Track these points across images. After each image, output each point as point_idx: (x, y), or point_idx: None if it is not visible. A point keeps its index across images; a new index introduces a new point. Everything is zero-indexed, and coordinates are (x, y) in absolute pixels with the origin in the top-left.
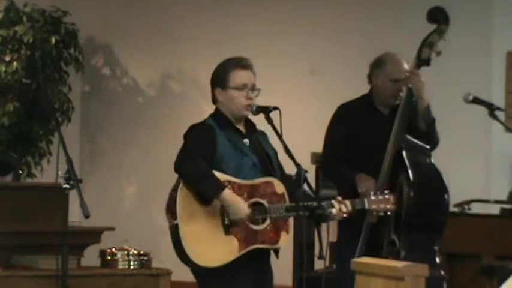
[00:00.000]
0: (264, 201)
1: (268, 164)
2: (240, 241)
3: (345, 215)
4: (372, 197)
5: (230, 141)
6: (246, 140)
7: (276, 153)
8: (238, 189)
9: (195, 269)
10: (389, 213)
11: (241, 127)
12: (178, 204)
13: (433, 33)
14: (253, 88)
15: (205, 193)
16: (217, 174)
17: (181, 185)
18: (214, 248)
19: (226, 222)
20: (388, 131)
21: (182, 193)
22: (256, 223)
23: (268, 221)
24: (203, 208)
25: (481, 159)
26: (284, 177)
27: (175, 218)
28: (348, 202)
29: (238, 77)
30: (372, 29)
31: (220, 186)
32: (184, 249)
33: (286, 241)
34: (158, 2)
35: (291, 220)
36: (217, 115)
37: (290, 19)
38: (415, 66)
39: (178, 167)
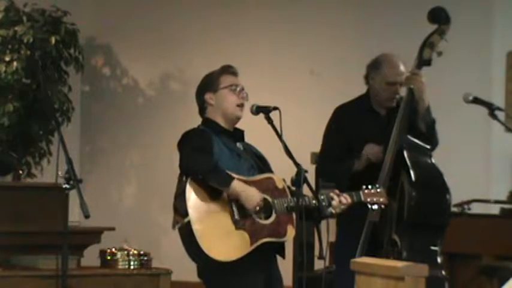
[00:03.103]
0: (268, 196)
1: (262, 166)
2: (250, 235)
3: (343, 207)
4: (365, 190)
5: (225, 144)
6: (239, 144)
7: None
8: None
9: (206, 266)
10: (383, 206)
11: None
12: (188, 201)
13: (434, 34)
14: (244, 91)
15: (217, 185)
16: None
17: (189, 181)
18: (228, 242)
19: (235, 216)
20: (385, 132)
21: (191, 190)
22: (262, 218)
23: (274, 215)
24: (212, 204)
25: (481, 159)
26: None
27: (186, 216)
28: (346, 195)
29: (228, 79)
30: (372, 28)
31: (231, 177)
32: (200, 245)
33: (292, 234)
34: (158, 3)
35: (293, 214)
36: (207, 123)
37: (290, 20)
38: (416, 67)
39: (187, 163)
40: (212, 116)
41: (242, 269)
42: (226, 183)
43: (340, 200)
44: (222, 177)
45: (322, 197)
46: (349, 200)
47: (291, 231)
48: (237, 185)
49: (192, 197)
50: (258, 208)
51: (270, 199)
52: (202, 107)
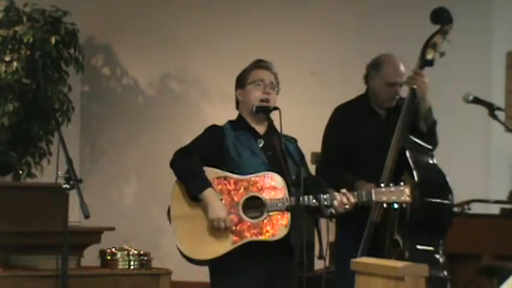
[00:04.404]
0: (262, 195)
1: (282, 165)
2: (234, 234)
3: (347, 207)
4: (382, 189)
5: (239, 141)
6: (261, 141)
7: (301, 158)
8: (234, 184)
9: (192, 263)
10: (404, 205)
11: (259, 128)
12: (171, 201)
13: (436, 34)
14: (271, 86)
15: (191, 190)
16: (214, 171)
17: (174, 182)
18: (207, 242)
19: None
20: (385, 132)
21: (175, 190)
22: (253, 217)
23: (265, 215)
24: (197, 203)
25: (481, 159)
26: (308, 180)
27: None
28: (350, 194)
29: (256, 74)
30: (372, 29)
31: (203, 186)
32: (177, 244)
33: (283, 234)
34: (158, 2)
35: (288, 214)
36: (236, 119)
37: (290, 19)
38: (418, 67)
39: (171, 163)
40: (241, 111)
41: (233, 267)
42: (198, 190)
43: (341, 199)
44: (195, 184)
45: (324, 196)
46: (352, 200)
47: (281, 231)
48: (207, 195)
49: (176, 196)
50: (216, 224)
51: (263, 198)
52: (236, 103)
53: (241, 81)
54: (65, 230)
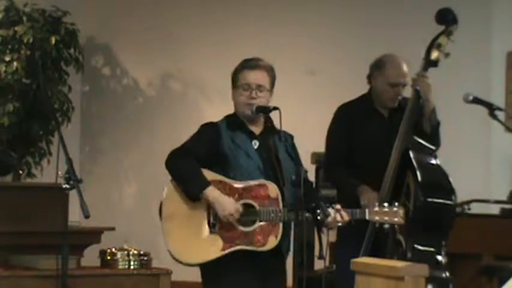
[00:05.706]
0: (255, 204)
1: (276, 169)
2: (224, 241)
3: (340, 224)
4: (376, 208)
5: (234, 142)
6: (255, 142)
7: (294, 158)
8: (229, 190)
9: (188, 265)
10: (396, 226)
11: (255, 128)
12: (164, 201)
13: (441, 35)
14: (259, 89)
15: (189, 193)
16: (210, 173)
17: (168, 182)
18: (197, 246)
19: (212, 220)
20: (388, 132)
21: (169, 190)
22: (245, 224)
23: (257, 224)
24: (191, 205)
25: (481, 159)
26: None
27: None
28: (344, 213)
29: (244, 77)
30: (372, 29)
31: (203, 185)
32: (166, 244)
33: (273, 245)
34: (158, 2)
35: (280, 225)
36: (231, 116)
37: (290, 19)
38: (423, 68)
39: (167, 163)
40: (235, 109)
41: (225, 268)
42: (197, 193)
43: (335, 216)
44: (193, 186)
45: (318, 211)
46: (346, 219)
47: (271, 242)
48: (210, 193)
49: (169, 197)
50: (230, 218)
51: (257, 207)
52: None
53: (233, 82)
54: (65, 230)
